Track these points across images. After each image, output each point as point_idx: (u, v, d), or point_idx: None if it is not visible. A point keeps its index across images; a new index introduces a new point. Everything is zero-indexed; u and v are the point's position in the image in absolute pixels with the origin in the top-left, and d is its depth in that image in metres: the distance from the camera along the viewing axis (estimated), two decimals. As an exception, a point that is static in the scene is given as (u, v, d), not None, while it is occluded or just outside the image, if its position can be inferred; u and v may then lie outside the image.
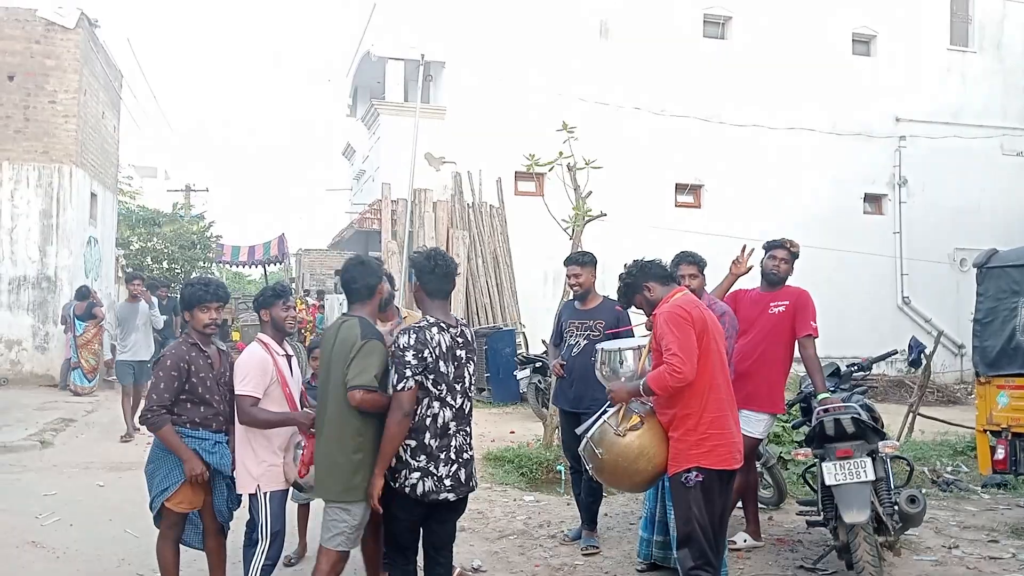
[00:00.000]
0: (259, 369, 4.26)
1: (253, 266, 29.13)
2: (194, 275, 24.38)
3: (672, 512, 4.78)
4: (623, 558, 5.55)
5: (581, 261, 5.76)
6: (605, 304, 5.65)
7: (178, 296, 4.74)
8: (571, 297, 5.94)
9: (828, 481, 4.54)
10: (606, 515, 6.31)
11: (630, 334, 5.40)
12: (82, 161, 14.80)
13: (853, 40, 18.59)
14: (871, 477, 4.47)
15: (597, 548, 5.68)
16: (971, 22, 19.36)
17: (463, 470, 3.79)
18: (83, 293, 12.91)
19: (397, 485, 3.75)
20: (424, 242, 14.99)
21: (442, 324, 3.83)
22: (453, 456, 3.76)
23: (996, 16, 19.38)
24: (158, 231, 24.19)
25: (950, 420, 10.00)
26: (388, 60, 16.96)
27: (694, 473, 4.01)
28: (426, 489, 3.71)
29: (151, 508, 4.40)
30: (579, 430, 4.52)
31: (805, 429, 6.65)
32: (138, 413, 9.59)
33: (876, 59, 18.71)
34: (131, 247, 23.38)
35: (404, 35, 16.52)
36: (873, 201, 18.88)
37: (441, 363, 3.75)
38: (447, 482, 3.74)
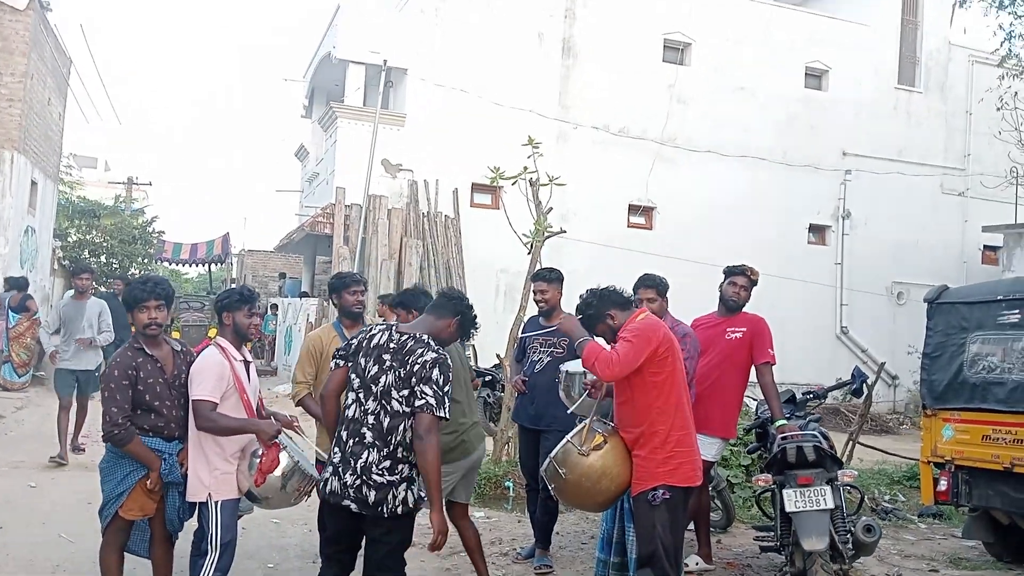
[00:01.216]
0: (215, 373, 4.14)
1: (195, 264, 28.57)
2: (132, 271, 23.72)
3: (630, 534, 4.79)
4: (576, 577, 5.53)
5: (548, 278, 5.75)
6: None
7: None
8: (536, 313, 5.92)
9: (788, 508, 4.59)
10: (558, 533, 6.28)
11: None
12: (24, 147, 14.29)
13: (806, 73, 19.02)
14: (830, 505, 4.54)
15: (551, 567, 5.65)
16: (919, 63, 19.99)
17: (374, 492, 3.52)
18: (20, 283, 12.39)
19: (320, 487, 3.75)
20: (377, 249, 14.83)
21: (393, 327, 3.79)
22: (359, 471, 3.55)
23: (942, 59, 20.06)
24: (98, 224, 23.45)
25: (888, 450, 10.24)
26: (349, 63, 16.77)
27: (661, 491, 4.02)
28: (331, 489, 3.63)
29: (101, 515, 4.21)
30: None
31: (758, 455, 6.77)
32: (79, 432, 8.75)
33: (827, 93, 19.18)
34: (69, 239, 22.62)
35: (367, 39, 16.37)
36: (817, 232, 19.31)
37: (360, 355, 3.70)
38: (351, 491, 3.56)
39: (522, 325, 6.27)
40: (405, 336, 3.69)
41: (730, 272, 5.81)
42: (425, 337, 3.71)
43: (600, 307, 4.30)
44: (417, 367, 3.56)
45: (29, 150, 14.68)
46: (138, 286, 4.28)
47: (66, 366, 8.55)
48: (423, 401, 3.51)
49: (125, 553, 4.33)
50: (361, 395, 3.65)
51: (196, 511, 4.19)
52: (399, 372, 3.58)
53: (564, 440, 4.33)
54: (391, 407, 3.58)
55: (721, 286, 5.82)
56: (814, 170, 18.61)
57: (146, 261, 24.55)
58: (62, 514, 6.34)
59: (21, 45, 13.78)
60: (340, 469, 3.61)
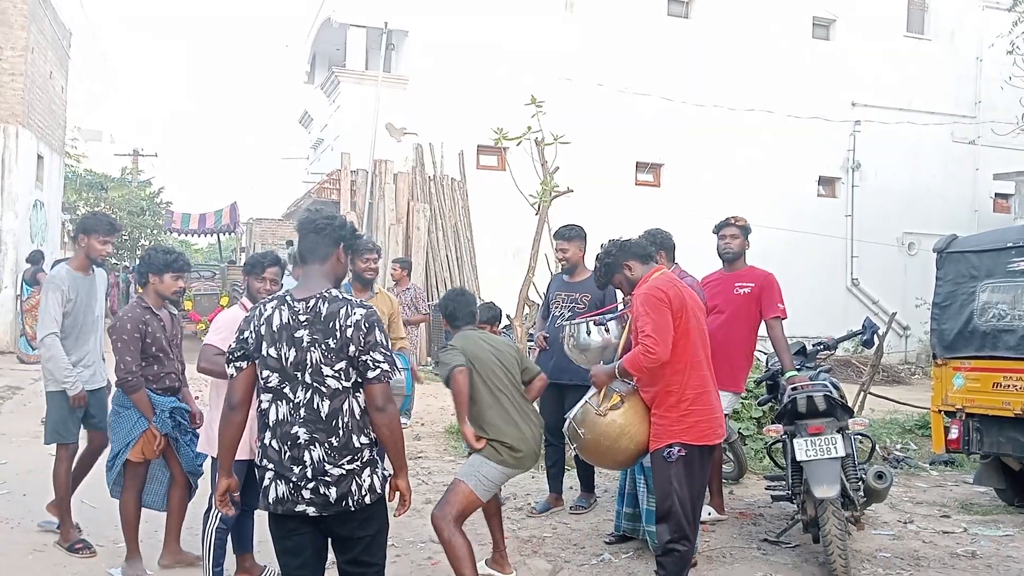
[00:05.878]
0: (232, 327, 4.24)
1: (204, 235, 28.59)
2: (143, 242, 23.82)
3: (641, 485, 4.87)
4: (591, 530, 5.61)
5: (568, 236, 5.81)
6: (592, 278, 5.69)
7: (138, 264, 4.84)
8: (560, 271, 6.02)
9: (799, 457, 4.62)
10: (571, 488, 6.36)
11: (615, 311, 5.43)
12: (28, 122, 14.29)
13: (813, 24, 18.78)
14: (841, 453, 4.57)
15: (585, 508, 5.97)
16: (927, 10, 19.67)
17: (334, 489, 2.98)
18: (35, 257, 12.53)
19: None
20: (384, 214, 14.83)
21: (288, 298, 3.07)
22: (310, 475, 2.97)
23: (951, 5, 19.74)
24: (105, 196, 23.53)
25: (900, 399, 10.29)
26: (349, 27, 16.63)
27: (676, 448, 4.04)
28: (277, 496, 3.01)
29: (110, 467, 4.61)
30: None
31: (768, 407, 6.82)
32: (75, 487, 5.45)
33: (835, 43, 18.92)
34: (77, 212, 22.71)
35: (366, 2, 16.20)
36: (827, 184, 19.19)
37: (265, 344, 3.01)
38: (304, 494, 2.98)
39: (548, 283, 6.38)
40: (312, 301, 3.04)
41: (718, 228, 5.85)
42: (333, 292, 3.09)
43: (619, 257, 4.30)
44: (351, 331, 2.98)
45: (33, 124, 14.68)
46: (172, 253, 4.66)
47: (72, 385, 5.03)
48: (378, 371, 3.00)
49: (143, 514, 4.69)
50: (286, 388, 3.00)
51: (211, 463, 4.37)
52: (327, 344, 2.98)
53: (583, 400, 4.38)
54: (326, 387, 2.99)
55: (717, 246, 5.84)
56: (823, 122, 18.43)
57: (155, 232, 24.64)
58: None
59: (20, 19, 13.72)
60: (283, 474, 3.01)
